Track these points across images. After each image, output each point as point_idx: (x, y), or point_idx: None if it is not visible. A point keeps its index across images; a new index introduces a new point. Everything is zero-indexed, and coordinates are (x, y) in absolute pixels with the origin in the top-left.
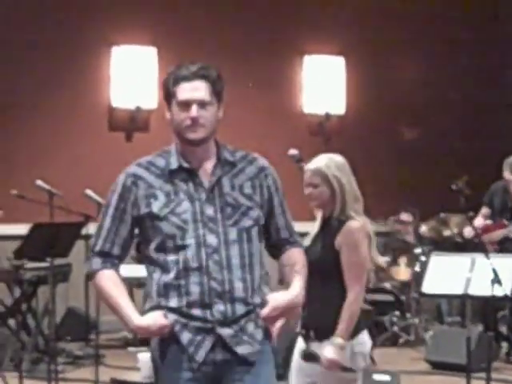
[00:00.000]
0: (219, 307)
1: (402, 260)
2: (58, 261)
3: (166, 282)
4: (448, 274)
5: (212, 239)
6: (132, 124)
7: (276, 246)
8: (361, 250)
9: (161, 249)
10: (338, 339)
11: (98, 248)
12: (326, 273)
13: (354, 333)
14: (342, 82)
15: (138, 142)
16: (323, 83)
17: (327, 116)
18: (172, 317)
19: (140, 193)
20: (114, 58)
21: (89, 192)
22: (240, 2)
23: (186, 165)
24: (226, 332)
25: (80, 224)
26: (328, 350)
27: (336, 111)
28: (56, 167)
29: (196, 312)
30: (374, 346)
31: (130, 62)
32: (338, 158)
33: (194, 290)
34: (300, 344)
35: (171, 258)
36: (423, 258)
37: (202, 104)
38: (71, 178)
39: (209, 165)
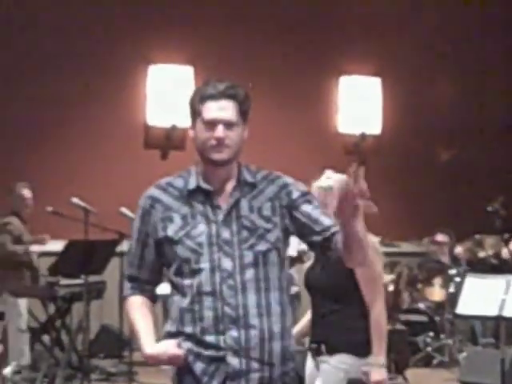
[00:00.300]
0: (232, 333)
1: (437, 281)
2: (93, 278)
3: (182, 306)
4: (482, 296)
5: (227, 263)
6: (167, 142)
7: (327, 239)
8: (376, 265)
9: (178, 273)
10: (379, 358)
11: (127, 272)
12: (340, 293)
13: (365, 352)
14: (379, 102)
15: (173, 160)
16: (359, 103)
17: (363, 136)
18: (187, 345)
19: (157, 216)
20: (151, 76)
21: (123, 210)
22: (278, 22)
23: (204, 185)
24: (236, 362)
25: (115, 241)
26: (375, 372)
27: (372, 131)
28: (91, 185)
29: (209, 338)
30: (407, 366)
31: (167, 80)
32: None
33: (208, 315)
34: (309, 361)
35: (186, 282)
36: (458, 279)
37: (228, 124)
38: (106, 195)
39: (229, 186)
